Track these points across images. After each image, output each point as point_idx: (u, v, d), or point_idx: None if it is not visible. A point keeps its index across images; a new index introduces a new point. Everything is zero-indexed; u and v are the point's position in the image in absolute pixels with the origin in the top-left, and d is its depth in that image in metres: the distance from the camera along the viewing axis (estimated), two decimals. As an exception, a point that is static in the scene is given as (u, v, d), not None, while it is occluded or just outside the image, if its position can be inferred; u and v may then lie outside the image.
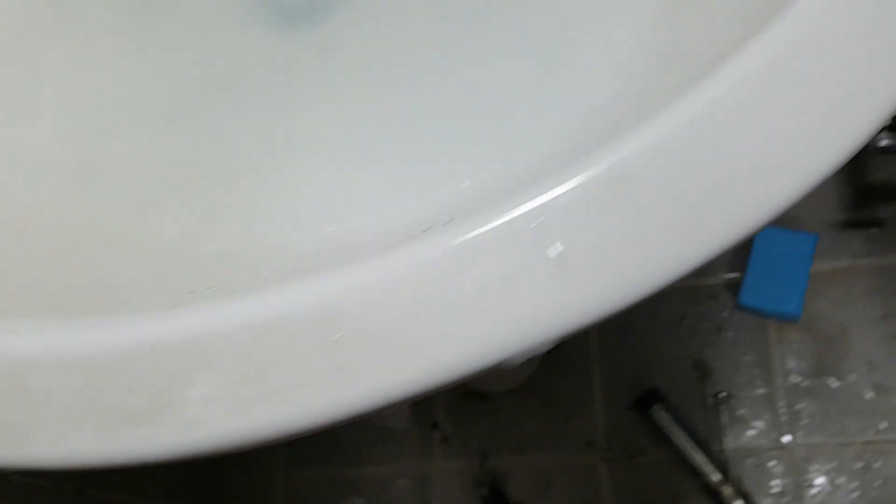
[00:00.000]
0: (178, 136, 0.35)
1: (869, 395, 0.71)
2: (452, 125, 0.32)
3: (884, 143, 0.60)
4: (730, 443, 0.72)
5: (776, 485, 0.71)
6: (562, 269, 0.20)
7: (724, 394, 0.74)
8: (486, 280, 0.20)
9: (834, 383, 0.72)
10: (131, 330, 0.22)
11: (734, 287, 0.77)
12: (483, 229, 0.20)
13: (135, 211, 0.33)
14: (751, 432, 0.73)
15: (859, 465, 0.69)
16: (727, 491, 0.70)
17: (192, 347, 0.21)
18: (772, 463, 0.71)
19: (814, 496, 0.70)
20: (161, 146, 0.34)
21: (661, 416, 0.74)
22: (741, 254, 0.78)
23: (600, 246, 0.20)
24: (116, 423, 0.21)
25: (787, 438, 0.72)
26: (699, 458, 0.71)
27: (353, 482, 0.82)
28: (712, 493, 0.71)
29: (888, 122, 0.59)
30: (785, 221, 0.77)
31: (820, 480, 0.70)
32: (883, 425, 0.70)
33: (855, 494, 0.69)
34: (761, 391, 0.74)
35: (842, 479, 0.69)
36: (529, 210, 0.20)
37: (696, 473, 0.71)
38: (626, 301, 0.20)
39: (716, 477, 0.70)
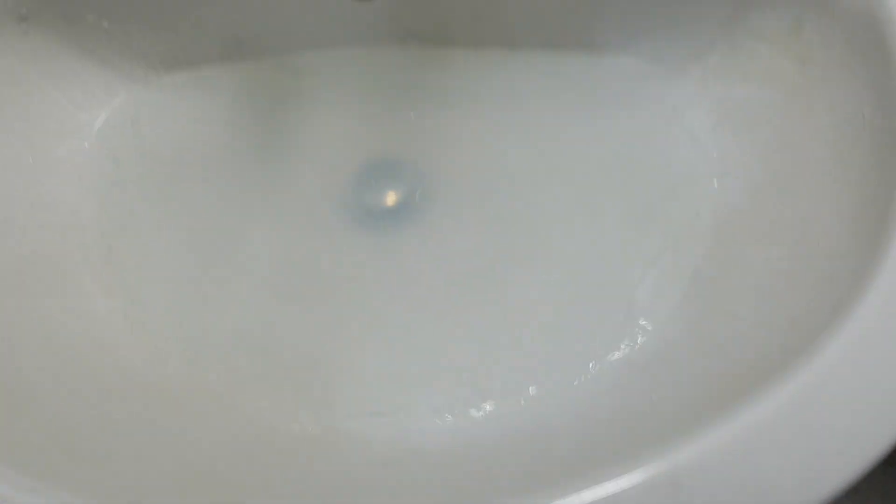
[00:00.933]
0: (264, 322, 0.40)
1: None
2: (504, 346, 0.38)
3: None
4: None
5: None
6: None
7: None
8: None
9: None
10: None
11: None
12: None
13: (226, 389, 0.38)
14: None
15: None
16: None
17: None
18: None
19: None
20: (248, 330, 0.39)
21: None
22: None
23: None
24: None
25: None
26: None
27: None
28: None
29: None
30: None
31: None
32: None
33: None
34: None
35: None
36: (601, 498, 0.26)
37: None
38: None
39: None
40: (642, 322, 0.36)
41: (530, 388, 0.35)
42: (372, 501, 0.31)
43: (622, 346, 0.36)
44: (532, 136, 0.44)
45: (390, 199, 0.44)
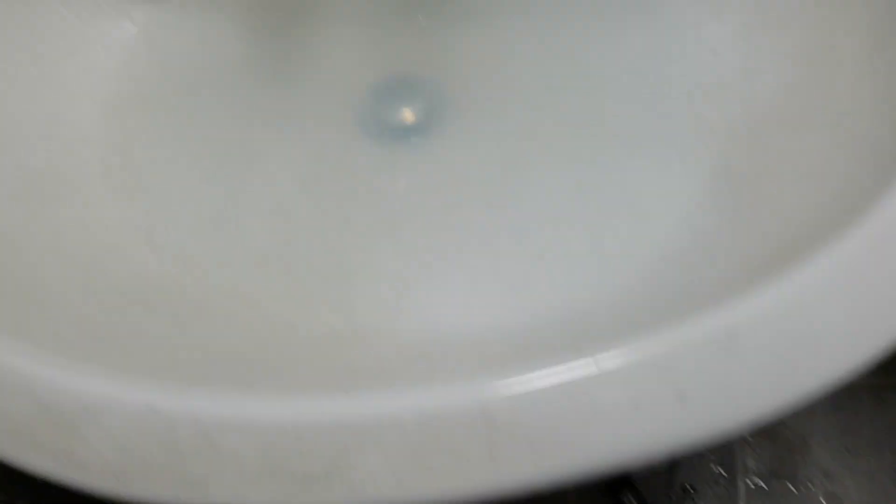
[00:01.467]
0: (285, 232, 0.39)
1: (823, 503, 0.77)
2: (539, 248, 0.37)
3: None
4: (692, 534, 0.77)
5: (731, 578, 0.76)
6: (682, 400, 0.25)
7: (689, 487, 0.79)
8: (619, 403, 0.25)
9: (792, 489, 0.78)
10: (316, 405, 0.26)
11: (706, 388, 0.83)
12: (622, 361, 0.25)
13: (249, 292, 0.37)
14: (712, 526, 0.78)
15: (809, 567, 0.75)
16: (686, 580, 0.74)
17: (368, 427, 0.25)
18: (729, 557, 0.76)
19: (765, 593, 0.75)
20: (268, 239, 0.39)
21: (630, 502, 0.78)
22: (715, 357, 0.84)
23: (713, 385, 0.25)
24: (293, 484, 0.25)
25: (744, 535, 0.77)
26: (663, 546, 0.76)
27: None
28: (673, 580, 0.76)
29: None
30: (757, 333, 0.83)
31: (772, 578, 0.75)
32: (834, 533, 0.76)
33: None
34: (724, 488, 0.79)
35: (791, 579, 0.75)
36: (661, 352, 0.25)
37: (659, 560, 0.76)
38: (729, 431, 0.25)
39: (677, 565, 0.75)
40: (673, 216, 0.36)
41: (560, 281, 0.35)
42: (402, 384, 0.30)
43: (654, 241, 0.35)
44: (549, 51, 0.43)
45: (407, 114, 0.43)
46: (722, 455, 0.81)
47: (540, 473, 0.25)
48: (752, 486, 0.79)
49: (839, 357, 0.26)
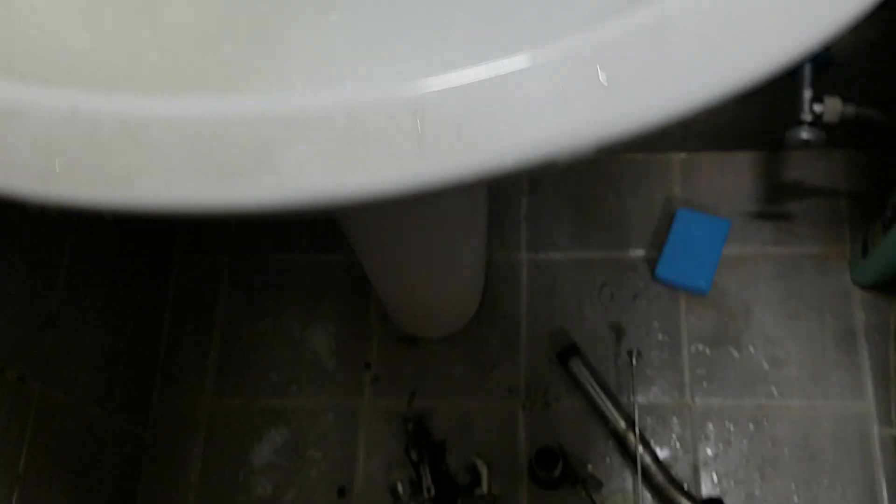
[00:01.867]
0: (220, 14, 0.38)
1: (764, 365, 0.79)
2: (476, 20, 0.37)
3: (804, 136, 0.68)
4: (637, 398, 0.79)
5: (675, 437, 0.78)
6: (609, 91, 0.25)
7: (635, 354, 0.81)
8: (547, 94, 0.25)
9: (734, 353, 0.80)
10: (241, 101, 0.25)
11: (652, 262, 0.85)
12: (550, 56, 0.25)
13: (180, 66, 0.36)
14: (656, 389, 0.80)
15: (751, 426, 0.77)
16: (631, 439, 0.76)
17: (295, 120, 0.25)
18: (672, 418, 0.79)
19: (708, 450, 0.77)
20: (200, 22, 0.38)
21: (579, 369, 0.80)
22: (661, 232, 0.85)
23: (640, 75, 0.25)
24: (220, 176, 0.25)
25: (687, 398, 0.79)
26: (609, 408, 0.78)
27: (281, 413, 0.84)
28: (618, 440, 0.77)
29: (809, 119, 0.67)
30: (702, 206, 0.85)
31: (714, 436, 0.78)
32: (775, 393, 0.78)
33: (745, 452, 0.77)
34: (668, 354, 0.81)
35: (734, 438, 0.77)
36: (585, 42, 0.25)
37: (605, 422, 0.78)
38: (656, 123, 0.25)
39: (622, 426, 0.77)
40: None
41: (501, 45, 0.35)
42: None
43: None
44: None
45: None
46: (666, 322, 0.83)
47: (470, 164, 0.25)
48: (696, 352, 0.82)
49: (772, 48, 0.26)
